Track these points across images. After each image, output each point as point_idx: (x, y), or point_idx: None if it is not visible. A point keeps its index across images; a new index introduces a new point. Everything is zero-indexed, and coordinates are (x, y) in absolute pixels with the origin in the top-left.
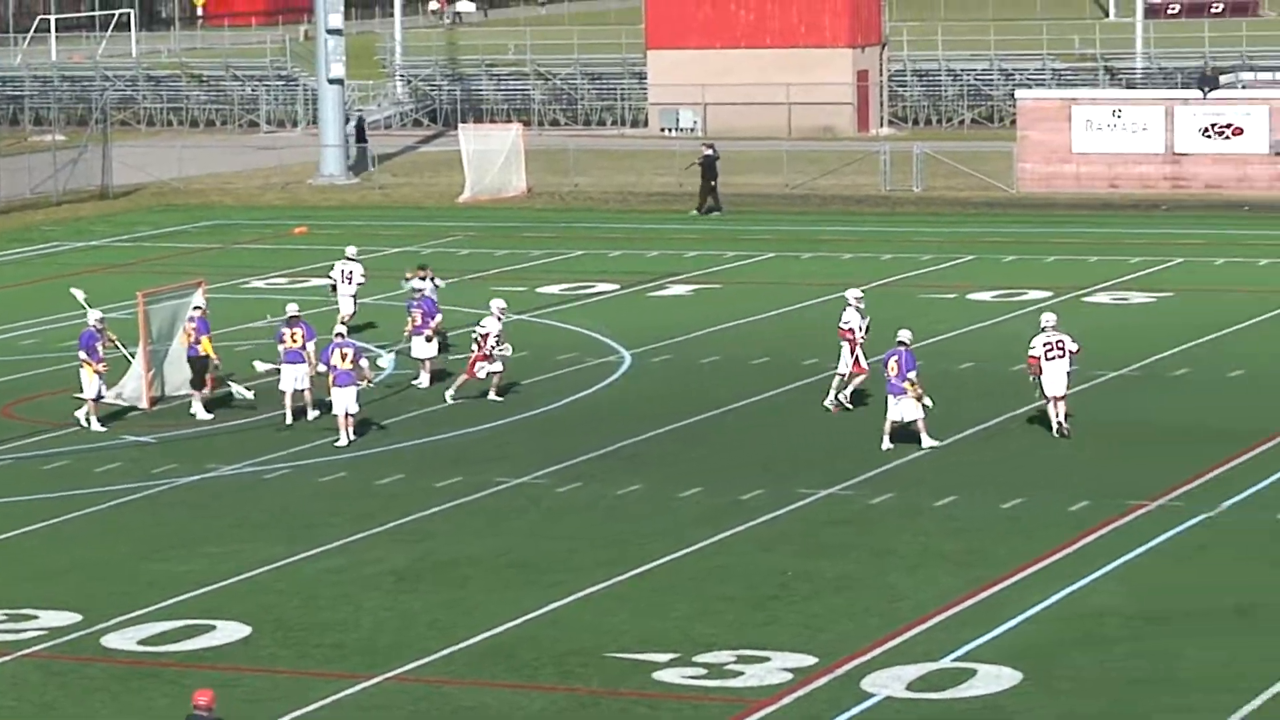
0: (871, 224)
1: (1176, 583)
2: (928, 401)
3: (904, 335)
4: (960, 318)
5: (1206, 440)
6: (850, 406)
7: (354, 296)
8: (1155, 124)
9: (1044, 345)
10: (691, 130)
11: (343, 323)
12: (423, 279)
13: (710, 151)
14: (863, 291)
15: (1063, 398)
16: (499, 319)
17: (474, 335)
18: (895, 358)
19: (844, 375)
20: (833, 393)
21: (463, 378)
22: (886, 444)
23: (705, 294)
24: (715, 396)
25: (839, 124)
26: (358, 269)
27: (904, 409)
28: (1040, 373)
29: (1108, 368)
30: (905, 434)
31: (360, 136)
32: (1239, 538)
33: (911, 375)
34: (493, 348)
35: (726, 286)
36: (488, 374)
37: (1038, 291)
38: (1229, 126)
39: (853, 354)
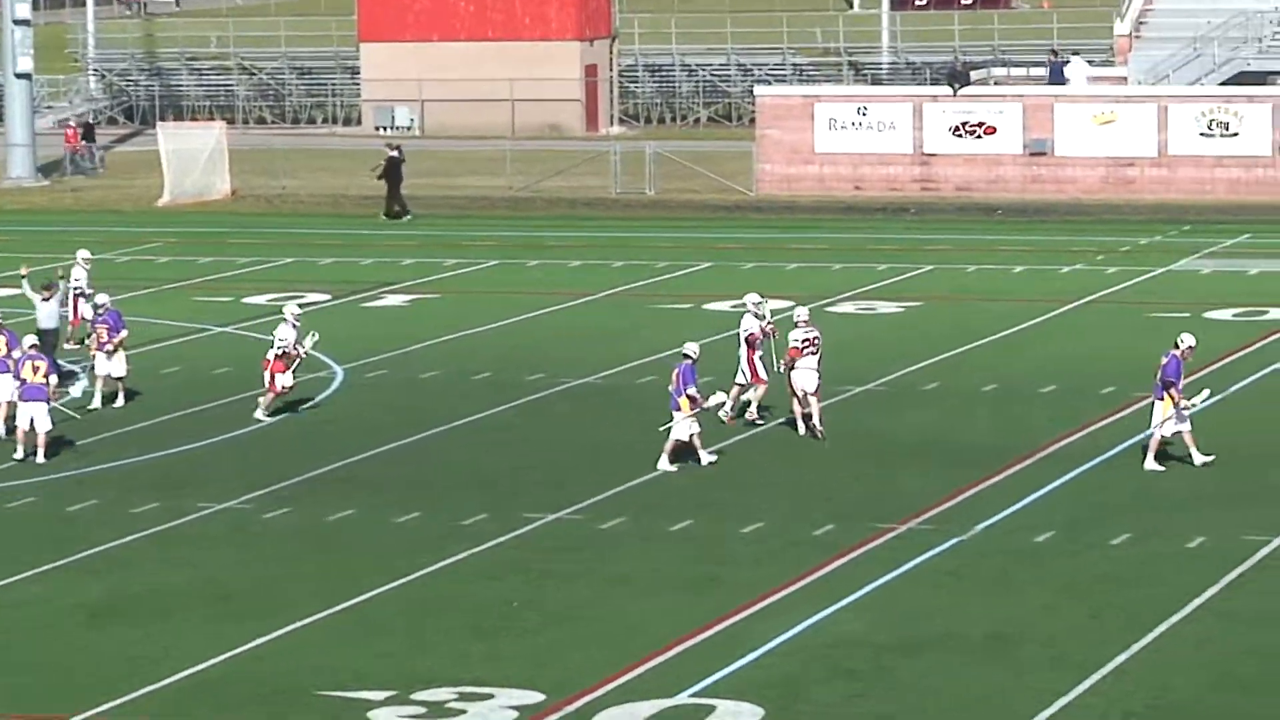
0: (602, 229)
1: (927, 611)
2: (720, 397)
3: (690, 349)
4: (695, 330)
5: (958, 459)
6: (760, 420)
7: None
8: (903, 122)
9: (802, 340)
10: (408, 129)
11: (37, 333)
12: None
13: (395, 153)
14: (760, 296)
15: (815, 393)
16: (294, 326)
17: (276, 348)
18: (678, 371)
19: (742, 386)
20: (728, 403)
21: (270, 395)
22: (665, 464)
23: (423, 304)
24: (434, 414)
25: (566, 122)
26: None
27: (684, 427)
28: (793, 366)
29: (853, 382)
30: (691, 453)
31: (88, 135)
32: (992, 563)
33: (692, 391)
34: (296, 355)
35: (446, 296)
36: (292, 386)
37: (780, 301)
38: (980, 125)
39: (751, 364)
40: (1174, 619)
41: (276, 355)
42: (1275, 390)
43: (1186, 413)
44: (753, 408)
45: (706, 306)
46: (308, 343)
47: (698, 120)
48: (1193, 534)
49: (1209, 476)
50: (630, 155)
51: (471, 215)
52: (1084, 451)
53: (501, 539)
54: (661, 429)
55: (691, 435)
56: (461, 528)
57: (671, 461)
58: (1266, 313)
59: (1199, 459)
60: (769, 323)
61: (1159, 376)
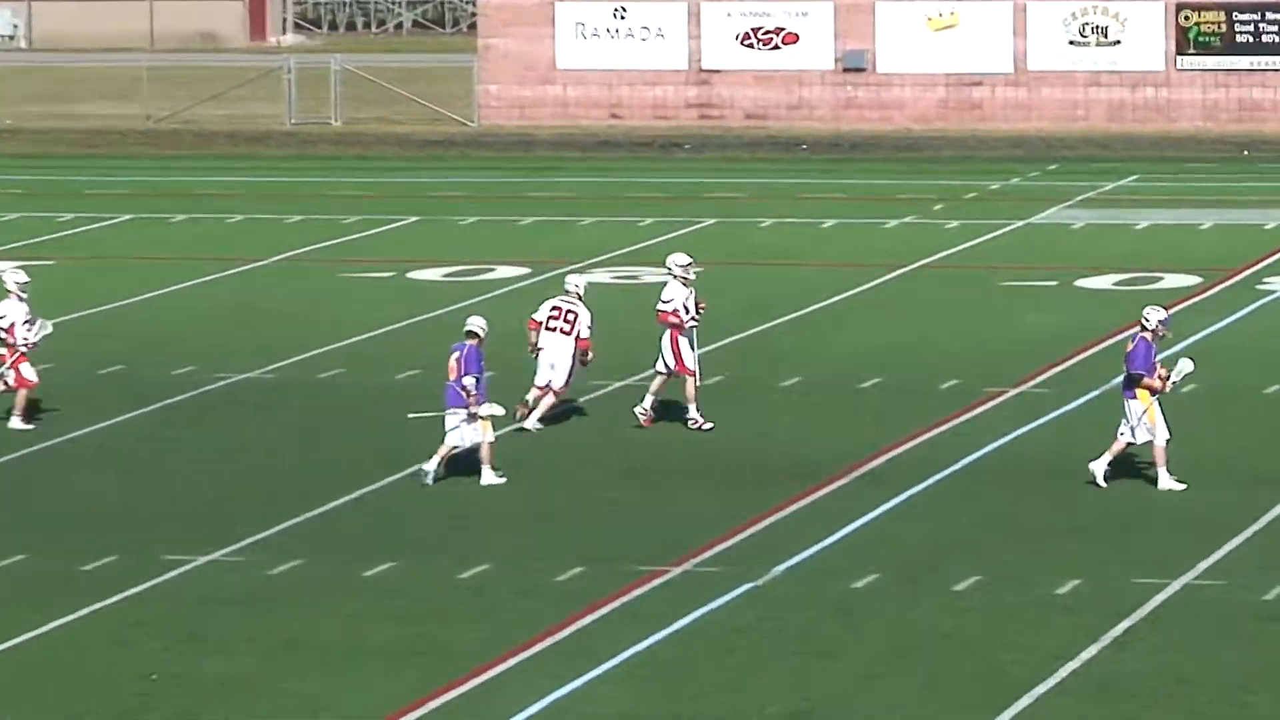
0: (271, 172)
1: (710, 681)
2: (497, 410)
3: (475, 324)
4: (398, 306)
5: (750, 477)
6: (703, 425)
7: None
8: (675, 28)
9: (550, 310)
10: (11, 38)
11: None
12: None
13: None
14: (692, 260)
15: (560, 391)
16: (21, 298)
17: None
18: (458, 354)
19: (666, 375)
20: (649, 398)
21: (22, 394)
22: (432, 471)
23: (32, 273)
24: (45, 422)
25: (223, 29)
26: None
27: (467, 433)
28: (537, 346)
29: (609, 375)
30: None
31: None
32: (797, 617)
33: (468, 381)
34: (26, 339)
35: (63, 264)
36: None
37: (510, 267)
38: (777, 32)
39: (675, 347)
40: (1039, 690)
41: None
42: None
43: (1145, 422)
44: (646, 403)
45: (412, 275)
46: (35, 333)
47: (400, 26)
48: (1063, 577)
49: (1087, 500)
50: (309, 74)
51: (96, 154)
52: (918, 467)
53: (137, 589)
54: (413, 416)
55: (478, 444)
56: (82, 573)
57: (445, 470)
58: (1159, 280)
59: (1166, 482)
60: (698, 301)
61: (1126, 368)
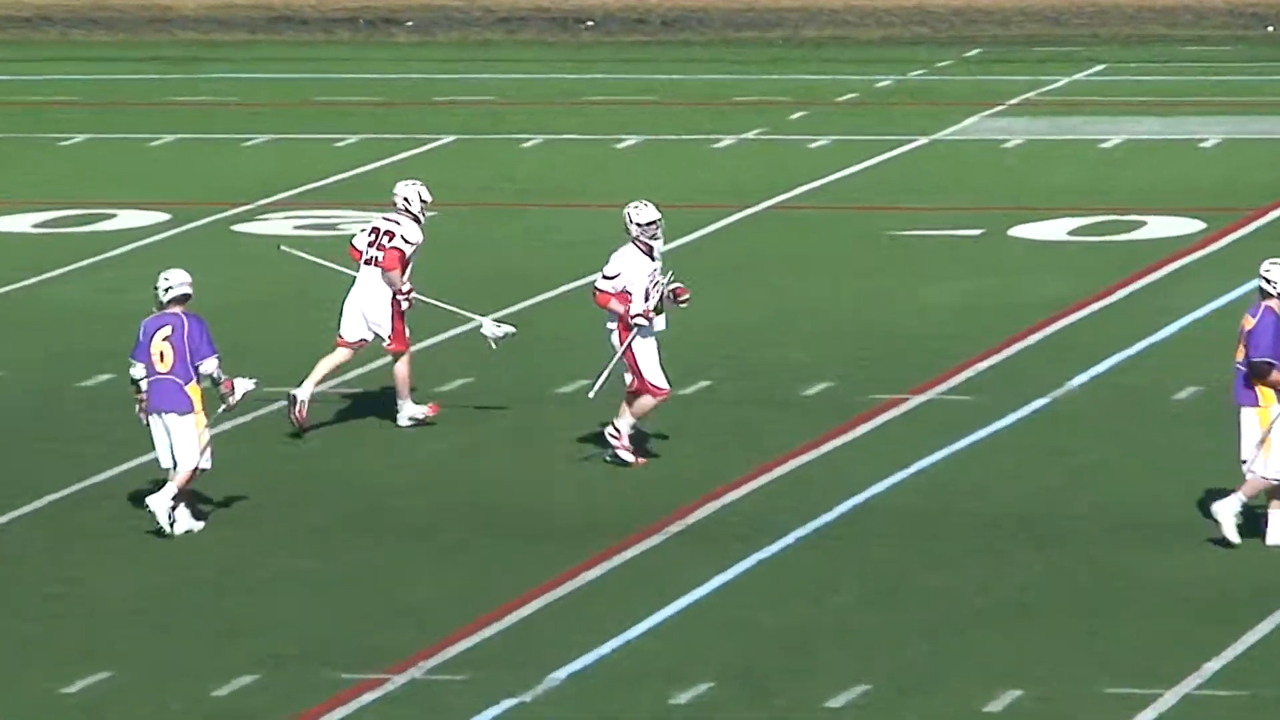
0: None
1: None
2: (249, 385)
3: (177, 281)
4: None
5: (517, 532)
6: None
7: None
8: None
9: (369, 236)
10: None
11: None
12: None
13: None
14: (659, 216)
15: (393, 348)
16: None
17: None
18: (168, 330)
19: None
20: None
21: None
22: (168, 519)
23: None
24: None
25: None
26: None
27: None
28: None
29: (291, 377)
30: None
31: None
32: None
33: (209, 366)
34: None
35: None
36: None
37: (137, 212)
38: None
39: (629, 354)
40: None
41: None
42: (1156, 390)
43: None
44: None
45: None
46: None
47: None
48: (996, 684)
49: (1038, 566)
50: None
51: None
52: (770, 516)
53: None
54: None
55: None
56: None
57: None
58: (1138, 226)
59: (1276, 534)
60: (672, 285)
61: (1242, 354)
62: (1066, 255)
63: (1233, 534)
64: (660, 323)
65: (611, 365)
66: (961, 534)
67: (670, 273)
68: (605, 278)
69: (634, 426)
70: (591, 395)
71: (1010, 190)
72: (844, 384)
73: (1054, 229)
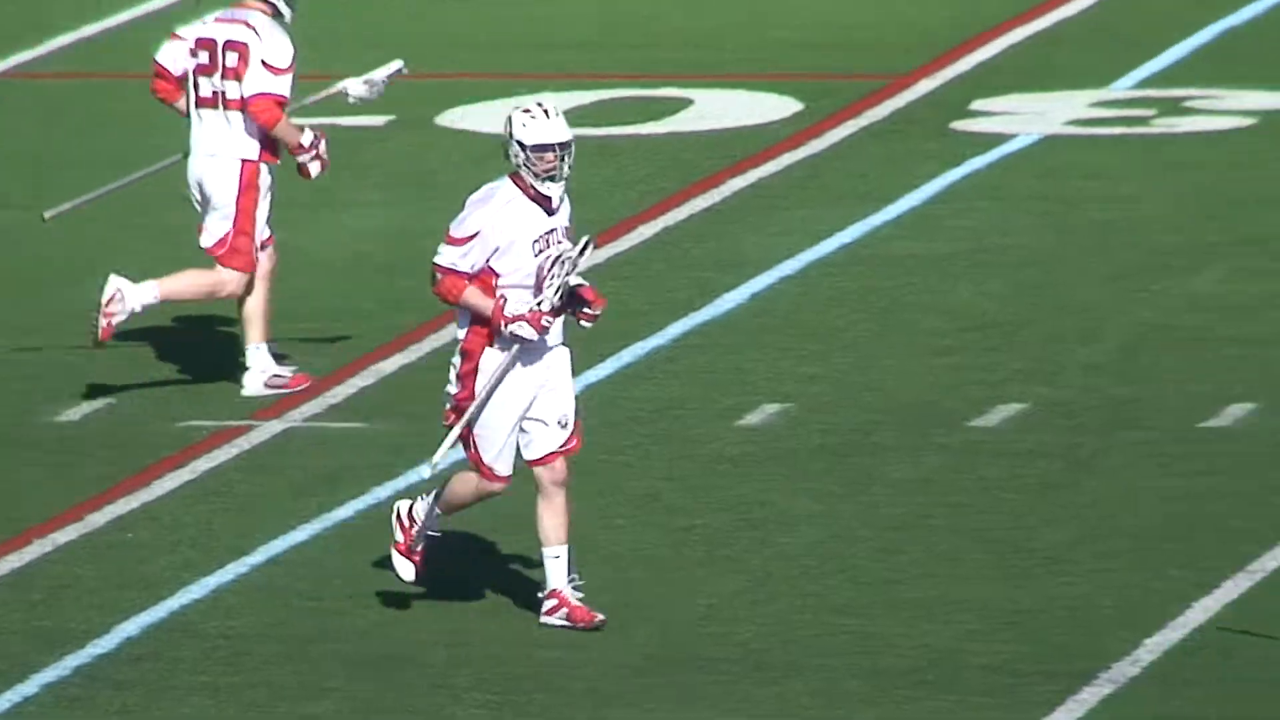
0: None
1: None
2: None
3: None
4: None
5: None
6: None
7: None
8: None
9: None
10: None
11: None
12: None
13: None
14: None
15: (215, 252)
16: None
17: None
18: None
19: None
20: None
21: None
22: None
23: None
24: None
25: None
26: None
27: None
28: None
29: None
30: None
31: None
32: None
33: None
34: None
35: None
36: None
37: None
38: None
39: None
40: None
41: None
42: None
43: None
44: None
45: None
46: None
47: None
48: None
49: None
50: None
51: None
52: None
53: None
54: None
55: None
56: None
57: None
58: (686, 105)
59: None
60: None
61: None
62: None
63: None
64: (554, 334)
65: (470, 413)
66: None
67: (588, 241)
68: (452, 242)
69: (431, 522)
70: (429, 469)
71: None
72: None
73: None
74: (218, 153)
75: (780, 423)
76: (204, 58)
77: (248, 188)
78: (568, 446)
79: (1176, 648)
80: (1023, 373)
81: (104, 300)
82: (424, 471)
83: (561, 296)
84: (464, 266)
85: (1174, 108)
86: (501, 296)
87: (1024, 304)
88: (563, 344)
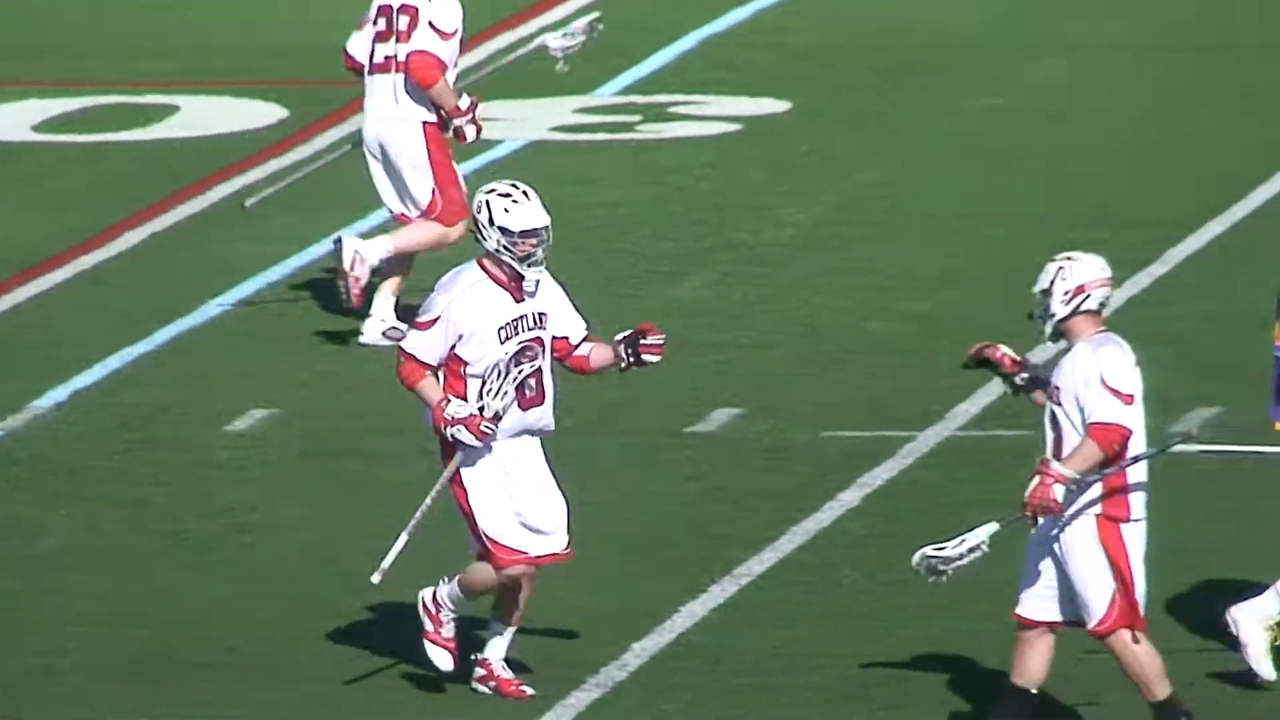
0: None
1: None
2: None
3: None
4: None
5: None
6: None
7: None
8: None
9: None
10: None
11: None
12: None
13: None
14: None
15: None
16: None
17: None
18: None
19: None
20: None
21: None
22: None
23: None
24: None
25: None
26: None
27: None
28: None
29: None
30: None
31: None
32: None
33: None
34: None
35: None
36: None
37: None
38: None
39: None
40: None
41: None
42: None
43: None
44: None
45: None
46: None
47: None
48: None
49: None
50: None
51: None
52: None
53: None
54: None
55: None
56: None
57: None
58: (173, 112)
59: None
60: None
61: None
62: None
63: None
64: (541, 416)
65: (412, 525)
66: None
67: (537, 353)
68: (417, 326)
69: (457, 605)
70: (376, 576)
71: None
72: None
73: None
74: (395, 117)
75: (268, 427)
76: (381, 24)
77: (435, 144)
78: (566, 553)
79: (664, 652)
80: None
81: (346, 266)
82: (374, 579)
83: (508, 403)
84: (424, 355)
85: (659, 114)
86: (446, 397)
87: None
88: (532, 435)
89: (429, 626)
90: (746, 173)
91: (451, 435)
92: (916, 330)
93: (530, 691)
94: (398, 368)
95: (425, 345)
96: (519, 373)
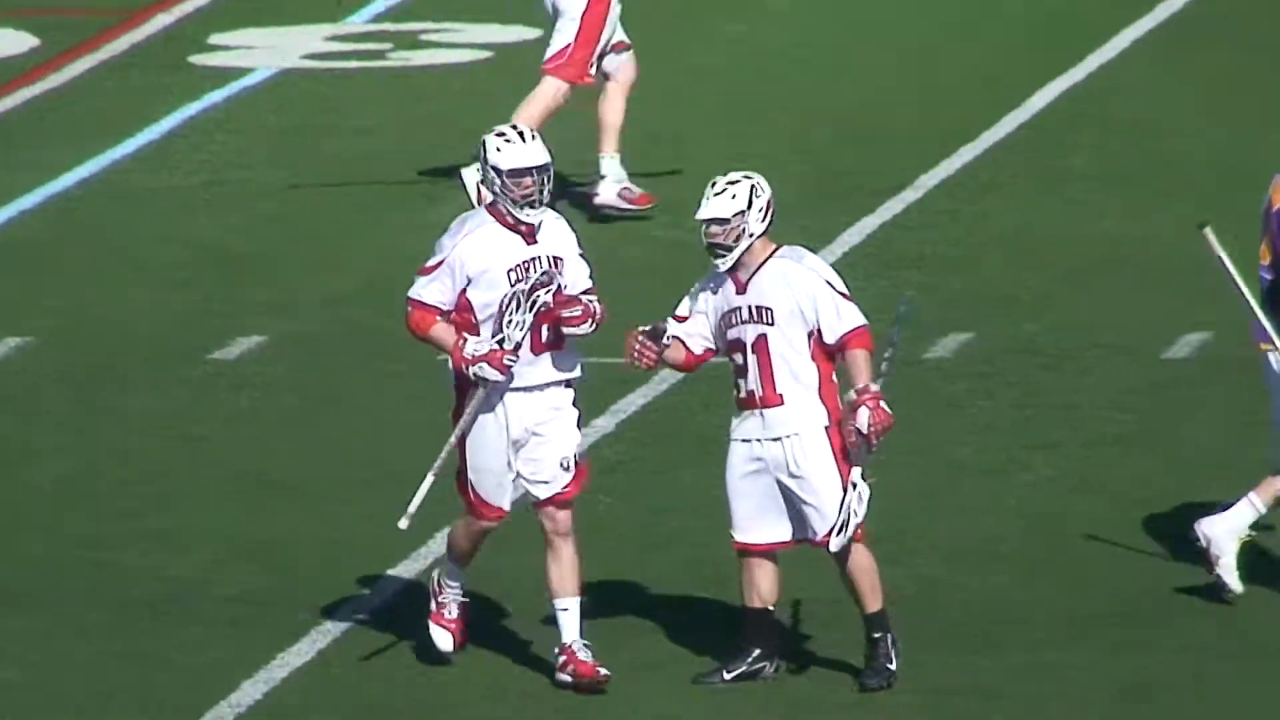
0: None
1: None
2: None
3: None
4: None
5: None
6: None
7: None
8: None
9: None
10: None
11: None
12: None
13: None
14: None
15: None
16: None
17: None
18: None
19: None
20: None
21: None
22: None
23: None
24: None
25: None
26: None
27: None
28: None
29: None
30: None
31: None
32: None
33: None
34: None
35: None
36: None
37: None
38: None
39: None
40: None
41: None
42: None
43: None
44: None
45: None
46: None
47: None
48: None
49: None
50: None
51: None
52: None
53: None
54: None
55: None
56: None
57: None
58: None
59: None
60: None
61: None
62: None
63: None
64: (537, 369)
65: (441, 458)
66: None
67: (554, 277)
68: (421, 272)
69: (460, 583)
70: (404, 522)
71: None
72: None
73: None
74: None
75: (21, 356)
76: None
77: (598, 3)
78: (563, 492)
79: (417, 580)
80: (264, 305)
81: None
82: (401, 524)
83: (525, 333)
84: (431, 298)
85: (410, 41)
86: (462, 337)
87: (264, 237)
88: (565, 383)
89: (432, 606)
90: (499, 100)
91: (474, 374)
92: (674, 255)
93: (605, 672)
94: (406, 318)
95: (432, 289)
96: (538, 304)
